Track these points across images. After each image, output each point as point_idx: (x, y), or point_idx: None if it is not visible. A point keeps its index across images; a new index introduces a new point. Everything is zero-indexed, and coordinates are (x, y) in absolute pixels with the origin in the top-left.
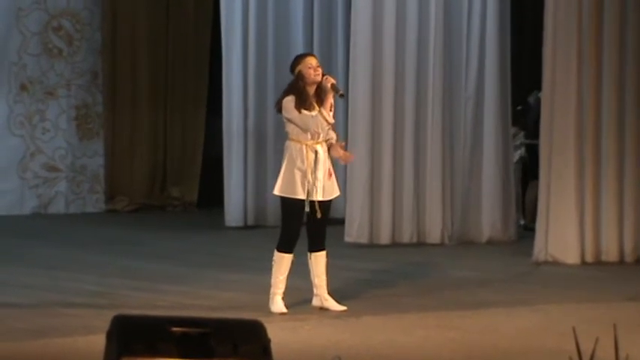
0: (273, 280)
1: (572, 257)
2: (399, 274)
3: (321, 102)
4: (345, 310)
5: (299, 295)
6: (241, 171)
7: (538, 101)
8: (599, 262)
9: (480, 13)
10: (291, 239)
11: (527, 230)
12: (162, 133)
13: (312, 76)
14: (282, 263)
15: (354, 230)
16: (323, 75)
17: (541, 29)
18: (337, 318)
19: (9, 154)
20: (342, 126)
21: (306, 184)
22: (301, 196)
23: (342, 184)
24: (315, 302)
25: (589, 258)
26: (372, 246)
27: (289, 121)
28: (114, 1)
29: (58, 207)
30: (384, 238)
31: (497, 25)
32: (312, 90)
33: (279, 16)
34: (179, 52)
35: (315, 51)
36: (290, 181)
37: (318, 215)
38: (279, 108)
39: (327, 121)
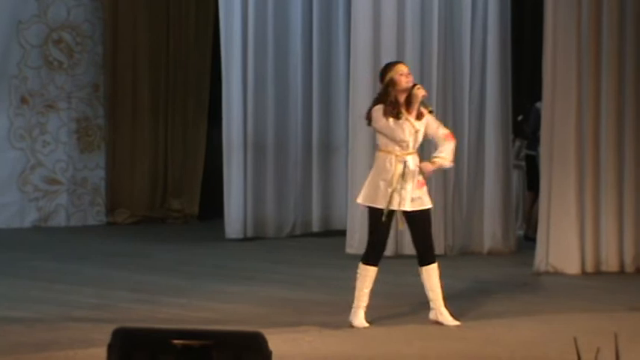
0: (356, 294)
1: (572, 267)
2: (401, 285)
3: (412, 110)
4: (458, 325)
5: (302, 307)
6: (241, 183)
7: (536, 112)
8: (599, 272)
9: (482, 26)
10: (377, 251)
11: (527, 240)
12: (164, 146)
13: (404, 83)
14: (367, 276)
15: (356, 241)
16: (415, 85)
17: (540, 39)
18: (338, 329)
19: (9, 167)
20: (344, 135)
21: (388, 193)
22: (382, 205)
23: (344, 196)
24: (432, 316)
25: (589, 268)
26: None
27: (378, 130)
28: (115, 13)
29: (59, 220)
30: (386, 249)
31: (498, 36)
32: (402, 98)
33: (278, 27)
34: (180, 64)
35: (315, 61)
36: (373, 190)
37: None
38: (369, 119)
39: (414, 127)
